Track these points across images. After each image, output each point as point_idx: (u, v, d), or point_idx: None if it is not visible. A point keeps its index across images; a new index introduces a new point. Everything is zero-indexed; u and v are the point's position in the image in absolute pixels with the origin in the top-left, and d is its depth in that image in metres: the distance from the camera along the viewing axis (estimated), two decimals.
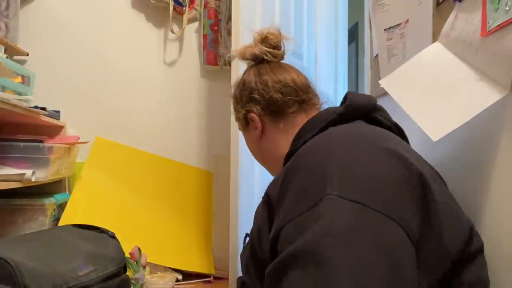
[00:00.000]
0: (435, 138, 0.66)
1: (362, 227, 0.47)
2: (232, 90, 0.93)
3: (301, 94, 0.84)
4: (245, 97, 0.87)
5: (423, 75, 0.82)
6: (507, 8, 0.60)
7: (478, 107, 0.63)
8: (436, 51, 0.82)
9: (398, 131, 0.73)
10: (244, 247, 0.79)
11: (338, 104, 0.77)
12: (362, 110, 0.70)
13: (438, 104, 0.72)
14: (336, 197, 0.49)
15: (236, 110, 0.91)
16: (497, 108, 0.62)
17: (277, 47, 0.90)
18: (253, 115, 0.86)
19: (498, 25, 0.62)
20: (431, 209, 0.52)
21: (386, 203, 0.49)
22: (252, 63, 0.91)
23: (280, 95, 0.83)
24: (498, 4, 0.62)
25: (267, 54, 0.88)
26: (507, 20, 0.60)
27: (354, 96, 0.72)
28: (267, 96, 0.84)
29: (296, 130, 0.76)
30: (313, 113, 0.82)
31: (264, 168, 0.94)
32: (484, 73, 0.66)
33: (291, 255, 0.49)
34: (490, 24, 0.65)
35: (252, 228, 0.69)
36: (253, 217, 0.71)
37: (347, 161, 0.54)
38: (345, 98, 0.75)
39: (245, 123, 0.89)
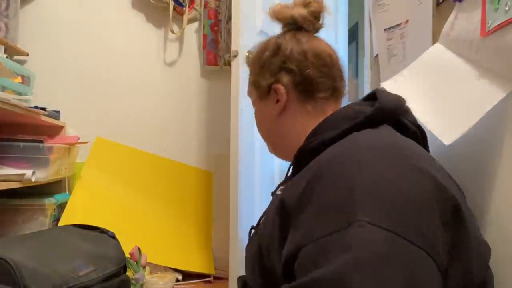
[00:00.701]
0: (447, 142, 0.65)
1: (394, 261, 0.44)
2: (257, 51, 0.80)
3: (337, 78, 0.76)
4: (277, 63, 0.75)
5: (426, 78, 0.81)
6: (507, 8, 0.60)
7: (486, 105, 0.62)
8: (437, 52, 0.82)
9: (420, 133, 0.68)
10: (250, 241, 0.76)
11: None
12: (391, 114, 0.64)
13: (445, 107, 0.72)
14: (367, 224, 0.45)
15: (257, 75, 0.78)
16: (501, 105, 0.62)
17: (317, 17, 0.79)
18: (280, 86, 0.74)
19: (498, 25, 0.62)
20: (463, 241, 0.50)
21: (419, 233, 0.46)
22: (285, 28, 0.80)
23: (318, 73, 0.74)
24: (498, 4, 0.62)
25: (307, 21, 0.77)
26: (506, 20, 0.60)
27: (385, 97, 0.65)
28: (304, 71, 0.73)
29: (322, 118, 0.69)
30: (338, 105, 0.76)
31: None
32: (488, 70, 0.66)
33: (315, 281, 0.45)
34: (490, 24, 0.65)
35: (263, 231, 0.66)
36: (263, 219, 0.68)
37: (378, 179, 0.50)
38: (373, 95, 0.69)
39: (266, 93, 0.77)
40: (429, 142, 0.69)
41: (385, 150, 0.54)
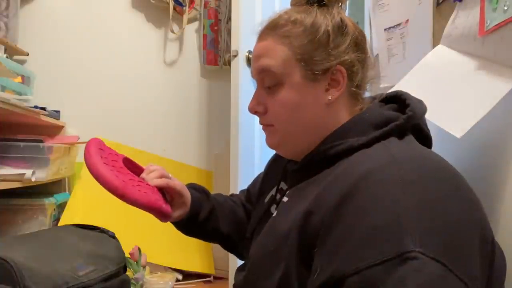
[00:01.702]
0: (459, 134, 0.64)
1: None
2: (300, 20, 0.64)
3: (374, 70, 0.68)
4: (344, 42, 0.63)
5: (432, 78, 0.81)
6: (506, 8, 0.60)
7: (496, 96, 0.62)
8: (440, 53, 0.82)
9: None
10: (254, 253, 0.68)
11: None
12: (417, 121, 0.61)
13: (453, 102, 0.71)
14: (419, 255, 0.42)
15: (310, 50, 0.63)
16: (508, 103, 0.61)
17: None
18: (344, 70, 0.62)
19: (496, 24, 0.62)
20: (494, 269, 0.50)
21: (466, 266, 0.45)
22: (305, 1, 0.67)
23: (372, 62, 0.67)
24: (497, 3, 0.62)
25: None
26: (505, 20, 0.60)
27: (415, 103, 0.61)
28: (367, 57, 0.65)
29: (355, 114, 0.63)
30: (362, 103, 0.67)
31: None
32: (494, 62, 0.66)
33: None
34: (488, 23, 0.65)
35: (270, 239, 0.61)
36: (267, 230, 0.63)
37: (426, 203, 0.46)
38: (395, 99, 0.64)
39: (318, 75, 0.62)
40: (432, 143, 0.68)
41: (426, 169, 0.51)
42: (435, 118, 0.69)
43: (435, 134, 0.68)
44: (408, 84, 0.86)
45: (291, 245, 0.54)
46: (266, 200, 0.74)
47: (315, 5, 0.65)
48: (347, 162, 0.56)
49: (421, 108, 0.62)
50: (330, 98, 0.63)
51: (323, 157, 0.61)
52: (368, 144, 0.57)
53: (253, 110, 0.68)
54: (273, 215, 0.67)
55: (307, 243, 0.52)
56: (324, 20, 0.63)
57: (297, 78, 0.63)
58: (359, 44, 0.64)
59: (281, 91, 0.64)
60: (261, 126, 0.69)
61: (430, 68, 0.83)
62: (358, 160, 0.55)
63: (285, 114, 0.64)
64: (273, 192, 0.74)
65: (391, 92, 0.67)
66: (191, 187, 0.84)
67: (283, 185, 0.72)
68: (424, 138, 0.62)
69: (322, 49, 0.62)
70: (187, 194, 0.80)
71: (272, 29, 0.67)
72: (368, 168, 0.51)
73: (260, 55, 0.67)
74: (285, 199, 0.66)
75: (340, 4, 0.67)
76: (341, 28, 0.63)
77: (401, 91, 0.65)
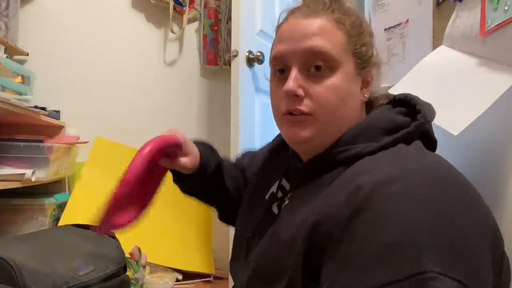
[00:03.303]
0: (456, 132, 0.64)
1: None
2: (353, 12, 0.64)
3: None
4: (372, 39, 0.64)
5: (431, 77, 0.81)
6: (506, 8, 0.60)
7: (494, 94, 0.62)
8: (441, 53, 0.82)
9: None
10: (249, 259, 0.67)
11: None
12: (426, 127, 0.60)
13: (452, 101, 0.71)
14: (438, 276, 0.41)
15: (362, 44, 0.62)
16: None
17: None
18: (375, 71, 0.64)
19: (497, 24, 0.62)
20: (502, 276, 0.50)
21: (481, 281, 0.45)
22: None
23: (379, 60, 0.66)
24: (498, 4, 0.62)
25: None
26: (506, 20, 0.60)
27: (426, 109, 0.60)
28: (380, 59, 0.65)
29: (361, 116, 0.62)
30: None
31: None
32: (494, 61, 0.66)
33: None
34: (489, 23, 0.65)
35: (269, 249, 0.60)
36: (268, 238, 0.62)
37: (438, 219, 0.45)
38: (404, 103, 0.63)
39: (362, 71, 0.62)
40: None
41: (435, 181, 0.49)
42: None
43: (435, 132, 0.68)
44: (408, 84, 0.86)
45: (296, 255, 0.53)
46: (267, 197, 0.72)
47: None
48: (354, 170, 0.54)
49: (431, 113, 0.61)
50: (365, 96, 0.63)
51: (330, 160, 0.59)
52: (376, 151, 0.56)
53: (293, 92, 0.59)
54: (276, 216, 0.65)
55: (313, 255, 0.51)
56: (362, 18, 0.63)
57: (351, 68, 0.61)
58: (375, 46, 0.64)
59: (332, 77, 0.59)
60: (287, 117, 0.61)
61: (430, 68, 0.83)
62: (364, 168, 0.53)
63: (334, 101, 0.59)
64: (273, 189, 0.71)
65: (400, 94, 0.66)
66: (197, 142, 0.84)
67: (285, 183, 0.70)
68: (430, 142, 0.62)
69: (367, 47, 0.62)
70: (193, 146, 0.79)
71: (327, 7, 0.62)
72: (377, 179, 0.49)
73: (314, 34, 0.59)
74: (287, 201, 0.64)
75: None
76: (367, 24, 0.64)
77: (410, 94, 0.64)
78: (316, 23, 0.60)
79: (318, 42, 0.59)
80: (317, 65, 0.59)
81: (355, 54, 0.61)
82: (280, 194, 0.70)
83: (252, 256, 0.65)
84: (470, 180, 0.52)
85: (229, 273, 0.75)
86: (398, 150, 0.55)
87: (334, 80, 0.59)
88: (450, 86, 0.75)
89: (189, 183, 0.79)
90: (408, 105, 0.62)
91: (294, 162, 0.68)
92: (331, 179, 0.57)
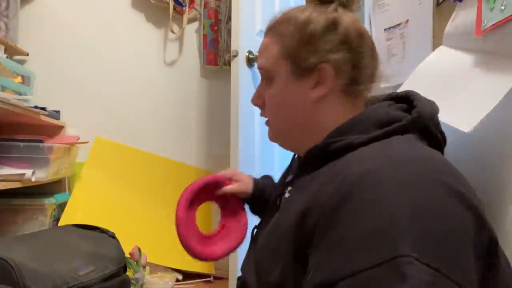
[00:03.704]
0: (467, 129, 0.63)
1: None
2: (293, 19, 0.66)
3: (378, 70, 0.67)
4: (331, 41, 0.63)
5: (436, 76, 0.81)
6: (503, 8, 0.60)
7: (502, 89, 0.62)
8: (443, 52, 0.82)
9: (443, 138, 0.65)
10: (250, 250, 0.73)
11: None
12: (425, 123, 0.60)
13: (459, 98, 0.71)
14: (414, 261, 0.42)
15: (298, 48, 0.64)
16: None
17: None
18: (328, 69, 0.63)
19: (493, 24, 0.62)
20: (492, 275, 0.49)
21: (462, 270, 0.44)
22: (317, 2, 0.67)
23: (368, 62, 0.65)
24: (494, 3, 0.62)
25: None
26: (502, 20, 0.60)
27: (423, 105, 0.61)
28: (359, 55, 0.64)
29: (352, 115, 0.63)
30: (364, 101, 0.67)
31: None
32: (497, 57, 0.65)
33: None
34: (485, 23, 0.65)
35: (268, 239, 0.62)
36: (270, 227, 0.63)
37: (421, 207, 0.46)
38: (405, 99, 0.64)
39: (305, 72, 0.64)
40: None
41: (423, 171, 0.50)
42: (442, 115, 0.69)
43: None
44: (412, 84, 0.86)
45: (288, 243, 0.55)
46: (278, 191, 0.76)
47: (317, 2, 0.66)
48: (344, 160, 0.55)
49: (431, 109, 0.61)
50: (314, 95, 0.64)
51: (323, 152, 0.60)
52: (367, 143, 0.57)
53: (252, 102, 0.73)
54: (278, 207, 0.68)
55: (302, 243, 0.52)
56: (316, 18, 0.64)
57: (285, 75, 0.66)
58: (351, 43, 0.63)
59: (272, 87, 0.68)
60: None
61: (434, 67, 0.83)
62: (354, 159, 0.54)
63: (274, 110, 0.69)
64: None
65: (402, 91, 0.67)
66: (263, 176, 0.98)
67: (289, 179, 0.73)
68: (434, 140, 0.61)
69: (308, 47, 0.64)
70: (244, 176, 0.92)
71: (271, 27, 0.69)
72: (364, 169, 0.50)
73: (259, 52, 0.70)
74: (287, 194, 0.67)
75: (348, 5, 0.67)
76: (330, 26, 0.63)
77: (411, 91, 0.65)
78: (262, 42, 0.70)
79: (259, 59, 0.70)
80: (264, 78, 0.70)
81: (290, 58, 0.65)
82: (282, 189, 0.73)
83: (257, 244, 0.68)
84: (481, 178, 0.53)
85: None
86: (389, 142, 0.56)
87: (272, 90, 0.68)
88: (455, 84, 0.74)
89: (250, 205, 0.91)
90: (409, 102, 0.63)
91: (298, 160, 0.72)
92: (324, 170, 0.58)
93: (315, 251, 0.50)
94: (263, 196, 0.87)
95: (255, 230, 0.79)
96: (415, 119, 0.58)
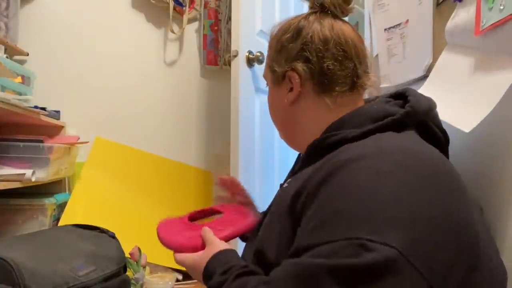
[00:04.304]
0: (467, 129, 0.64)
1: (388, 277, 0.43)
2: (277, 32, 0.73)
3: (359, 71, 0.68)
4: (294, 49, 0.69)
5: (436, 81, 0.81)
6: (502, 7, 0.60)
7: (501, 87, 0.61)
8: (443, 56, 0.82)
9: (445, 138, 0.66)
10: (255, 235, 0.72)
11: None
12: (419, 118, 0.61)
13: (460, 100, 0.71)
14: (367, 242, 0.44)
15: (273, 59, 0.73)
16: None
17: (347, 0, 0.71)
18: (295, 75, 0.69)
19: (492, 24, 0.62)
20: (475, 269, 0.49)
21: (426, 258, 0.45)
22: (311, 9, 0.72)
23: (338, 65, 0.67)
24: (493, 3, 0.62)
25: (337, 5, 0.70)
26: (501, 19, 0.60)
27: (416, 101, 0.62)
28: (322, 62, 0.67)
29: (343, 111, 0.66)
30: (361, 98, 0.71)
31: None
32: (497, 54, 0.65)
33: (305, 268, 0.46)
34: (484, 23, 0.65)
35: (268, 226, 0.64)
36: (269, 214, 0.66)
37: (394, 195, 0.48)
38: (403, 96, 0.66)
39: (280, 79, 0.71)
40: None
41: (408, 162, 0.52)
42: (443, 115, 0.68)
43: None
44: (434, 85, 0.85)
45: (283, 224, 0.58)
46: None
47: (300, 16, 0.72)
48: (338, 151, 0.58)
49: (425, 104, 0.62)
50: (290, 99, 0.70)
51: (320, 147, 0.64)
52: (362, 136, 0.59)
53: None
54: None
55: (295, 223, 0.55)
56: (289, 28, 0.71)
57: (270, 82, 0.76)
58: (312, 49, 0.67)
59: (268, 93, 0.78)
60: None
61: (442, 71, 0.83)
62: (345, 149, 0.57)
63: (270, 113, 0.79)
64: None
65: (401, 89, 0.68)
66: None
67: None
68: (433, 136, 0.62)
69: (279, 56, 0.71)
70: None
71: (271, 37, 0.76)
72: (350, 156, 0.53)
73: None
74: (286, 184, 0.71)
75: (338, 11, 0.70)
76: (294, 35, 0.69)
77: (409, 88, 0.67)
78: None
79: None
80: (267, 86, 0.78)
81: (270, 68, 0.74)
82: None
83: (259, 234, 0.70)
84: (480, 177, 0.53)
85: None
86: (382, 135, 0.58)
87: (268, 95, 0.78)
88: (454, 84, 0.75)
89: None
90: (405, 98, 0.65)
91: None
92: (318, 163, 0.60)
93: (298, 229, 0.53)
94: None
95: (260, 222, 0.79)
96: (408, 112, 0.60)
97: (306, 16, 0.70)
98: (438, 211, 0.48)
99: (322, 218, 0.49)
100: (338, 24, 0.69)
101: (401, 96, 0.67)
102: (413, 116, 0.60)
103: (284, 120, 0.75)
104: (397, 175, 0.50)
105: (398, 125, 0.59)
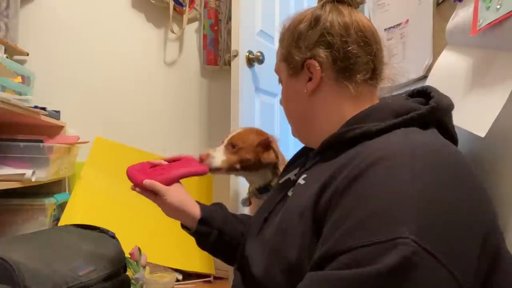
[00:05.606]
0: (482, 133, 0.64)
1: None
2: (290, 23, 0.72)
3: (379, 59, 0.68)
4: (315, 35, 0.66)
5: (438, 79, 0.81)
6: (498, 7, 0.60)
7: (507, 87, 0.61)
8: (448, 54, 0.82)
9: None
10: (262, 233, 0.71)
11: None
12: (441, 115, 0.61)
13: (464, 100, 0.71)
14: (412, 243, 0.43)
15: (289, 48, 0.70)
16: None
17: None
18: (315, 63, 0.66)
19: (488, 23, 0.62)
20: (497, 275, 0.50)
21: (460, 262, 0.45)
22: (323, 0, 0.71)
23: (360, 51, 0.65)
24: (490, 2, 0.63)
25: None
26: (497, 19, 0.60)
27: (439, 96, 0.62)
28: (345, 47, 0.65)
29: (363, 102, 0.65)
30: (376, 91, 0.69)
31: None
32: (499, 51, 0.65)
33: (344, 278, 0.46)
34: (481, 22, 0.65)
35: (285, 221, 0.62)
36: (284, 210, 0.64)
37: (431, 195, 0.47)
38: (425, 93, 0.65)
39: (297, 69, 0.69)
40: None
41: (440, 161, 0.51)
42: (456, 120, 0.68)
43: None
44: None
45: (306, 224, 0.56)
46: (281, 181, 0.78)
47: (312, 8, 0.70)
48: (364, 146, 0.57)
49: (447, 102, 0.62)
50: (309, 89, 0.68)
51: (340, 140, 0.62)
52: (387, 130, 0.58)
53: (280, 104, 0.78)
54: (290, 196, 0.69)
55: (319, 222, 0.54)
56: (304, 18, 0.69)
57: (285, 76, 0.72)
58: (332, 36, 0.65)
59: (282, 88, 0.75)
60: None
61: (438, 72, 0.83)
62: (374, 144, 0.56)
63: (284, 107, 0.75)
64: (291, 175, 0.76)
65: (420, 87, 0.68)
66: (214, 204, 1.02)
67: (307, 166, 0.74)
68: (449, 136, 0.62)
69: (296, 46, 0.69)
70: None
71: (282, 31, 0.74)
72: (382, 153, 0.52)
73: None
74: (301, 181, 0.67)
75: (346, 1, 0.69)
76: (312, 23, 0.67)
77: (430, 86, 0.66)
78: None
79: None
80: (279, 82, 0.76)
81: (286, 59, 0.71)
82: (294, 178, 0.74)
83: (265, 231, 0.69)
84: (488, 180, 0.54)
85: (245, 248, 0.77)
86: (408, 131, 0.57)
87: (282, 89, 0.75)
88: (455, 85, 0.74)
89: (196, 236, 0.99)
90: (426, 96, 0.65)
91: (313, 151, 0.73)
92: (342, 157, 0.59)
93: (325, 228, 0.52)
94: (211, 226, 0.94)
95: (266, 219, 0.75)
96: (433, 107, 0.59)
97: (321, 6, 0.69)
98: (471, 214, 0.48)
99: (358, 219, 0.48)
100: (355, 12, 0.68)
101: (420, 93, 0.67)
102: (437, 111, 0.60)
103: (301, 113, 0.71)
104: (431, 175, 0.49)
105: (422, 121, 0.59)
